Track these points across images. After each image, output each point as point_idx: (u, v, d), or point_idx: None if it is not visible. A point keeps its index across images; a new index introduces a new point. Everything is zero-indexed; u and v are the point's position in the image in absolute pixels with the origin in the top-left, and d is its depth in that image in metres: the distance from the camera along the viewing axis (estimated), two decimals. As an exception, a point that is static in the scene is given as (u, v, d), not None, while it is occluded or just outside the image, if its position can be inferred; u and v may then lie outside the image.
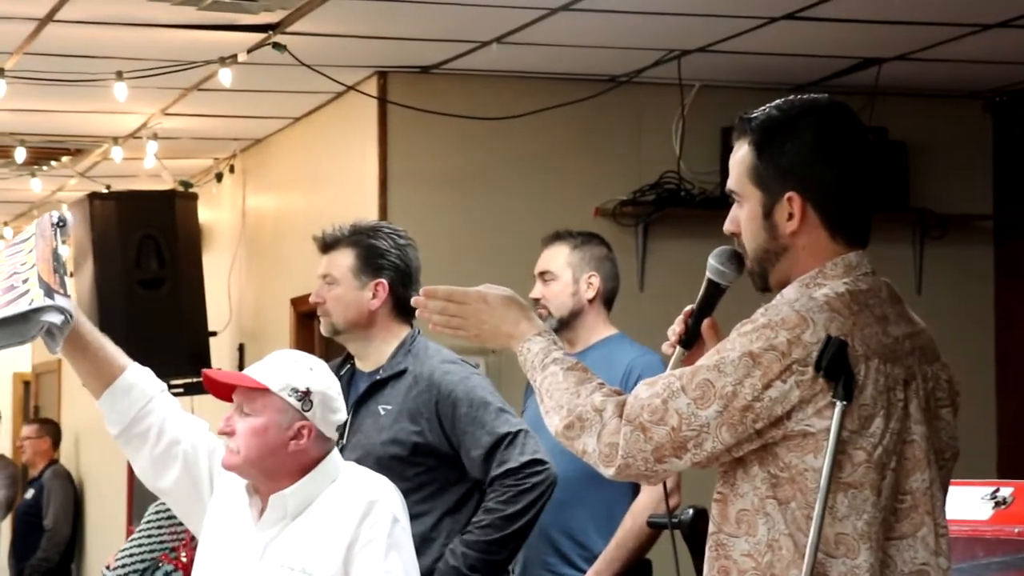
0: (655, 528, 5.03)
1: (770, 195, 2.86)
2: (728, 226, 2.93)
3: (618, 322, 5.34)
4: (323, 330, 4.68)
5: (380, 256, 4.60)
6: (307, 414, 3.62)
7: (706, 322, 3.00)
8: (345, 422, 4.54)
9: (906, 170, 7.59)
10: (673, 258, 7.39)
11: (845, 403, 2.76)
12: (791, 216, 2.85)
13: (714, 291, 2.99)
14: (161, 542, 6.86)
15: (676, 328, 3.02)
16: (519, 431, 4.45)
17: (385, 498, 3.64)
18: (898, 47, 6.96)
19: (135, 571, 6.75)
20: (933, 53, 6.98)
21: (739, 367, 2.73)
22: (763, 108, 2.93)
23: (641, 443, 2.76)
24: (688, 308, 3.01)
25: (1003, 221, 7.81)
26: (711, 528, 2.84)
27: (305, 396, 3.62)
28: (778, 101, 2.93)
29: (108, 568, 6.85)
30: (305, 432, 3.62)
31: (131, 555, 6.75)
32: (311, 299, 4.72)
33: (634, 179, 7.41)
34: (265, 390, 3.58)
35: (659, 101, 7.40)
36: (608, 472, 2.80)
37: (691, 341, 3.00)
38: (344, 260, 4.61)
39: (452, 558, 4.41)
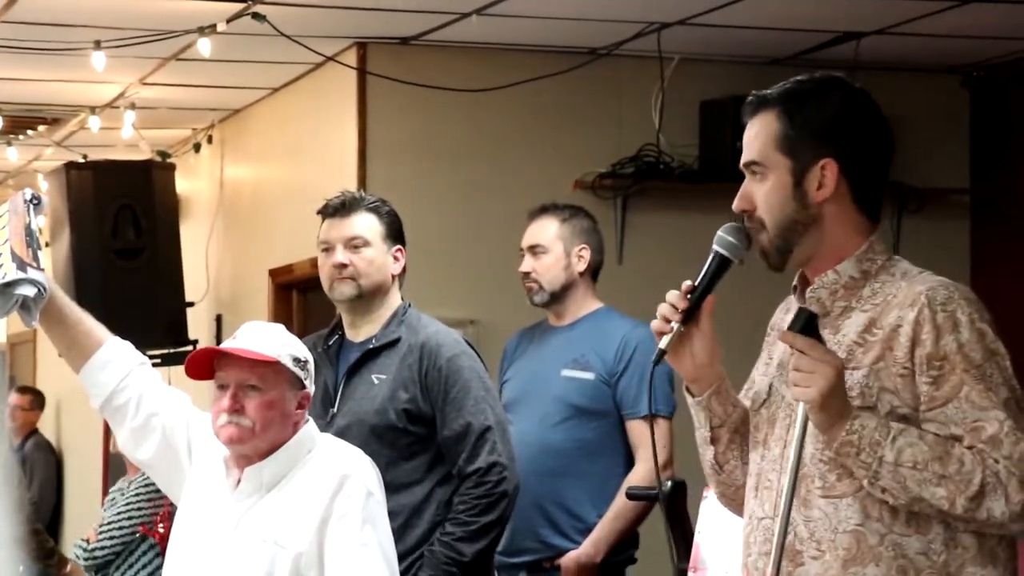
0: (633, 499, 5.07)
1: (801, 162, 2.77)
2: (740, 203, 2.81)
3: (597, 295, 5.35)
4: (341, 294, 4.55)
5: (398, 224, 4.63)
6: (307, 383, 3.63)
7: (708, 299, 2.85)
8: (336, 391, 4.56)
9: (884, 144, 7.61)
10: (652, 231, 7.39)
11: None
12: (821, 185, 2.77)
13: (722, 266, 2.85)
14: (141, 516, 6.87)
15: (678, 304, 2.83)
16: (490, 427, 4.46)
17: (358, 472, 3.63)
18: (877, 21, 6.96)
19: (121, 543, 6.75)
20: (912, 28, 6.98)
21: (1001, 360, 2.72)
22: (779, 84, 2.84)
23: None
24: (688, 283, 2.86)
25: (979, 196, 7.83)
26: (881, 529, 2.72)
27: (304, 366, 3.62)
28: (796, 77, 2.85)
29: (87, 542, 6.85)
30: (306, 403, 3.63)
31: (120, 528, 6.75)
32: (337, 260, 4.54)
33: (613, 152, 7.40)
34: (276, 362, 3.57)
35: (639, 74, 7.39)
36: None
37: (689, 318, 2.84)
38: (371, 224, 4.57)
39: (440, 559, 4.42)
